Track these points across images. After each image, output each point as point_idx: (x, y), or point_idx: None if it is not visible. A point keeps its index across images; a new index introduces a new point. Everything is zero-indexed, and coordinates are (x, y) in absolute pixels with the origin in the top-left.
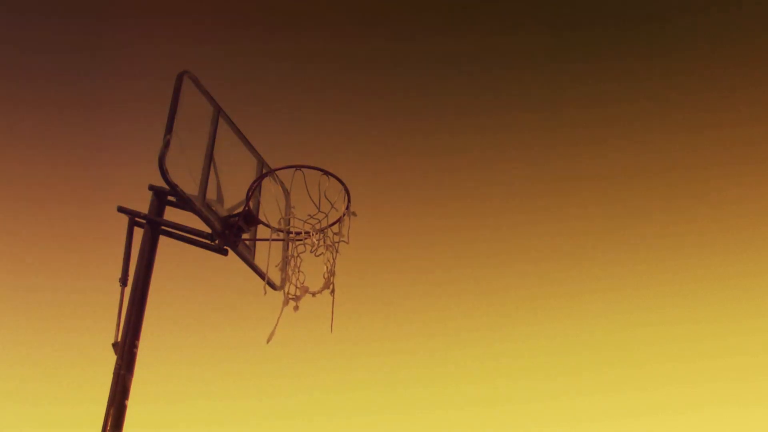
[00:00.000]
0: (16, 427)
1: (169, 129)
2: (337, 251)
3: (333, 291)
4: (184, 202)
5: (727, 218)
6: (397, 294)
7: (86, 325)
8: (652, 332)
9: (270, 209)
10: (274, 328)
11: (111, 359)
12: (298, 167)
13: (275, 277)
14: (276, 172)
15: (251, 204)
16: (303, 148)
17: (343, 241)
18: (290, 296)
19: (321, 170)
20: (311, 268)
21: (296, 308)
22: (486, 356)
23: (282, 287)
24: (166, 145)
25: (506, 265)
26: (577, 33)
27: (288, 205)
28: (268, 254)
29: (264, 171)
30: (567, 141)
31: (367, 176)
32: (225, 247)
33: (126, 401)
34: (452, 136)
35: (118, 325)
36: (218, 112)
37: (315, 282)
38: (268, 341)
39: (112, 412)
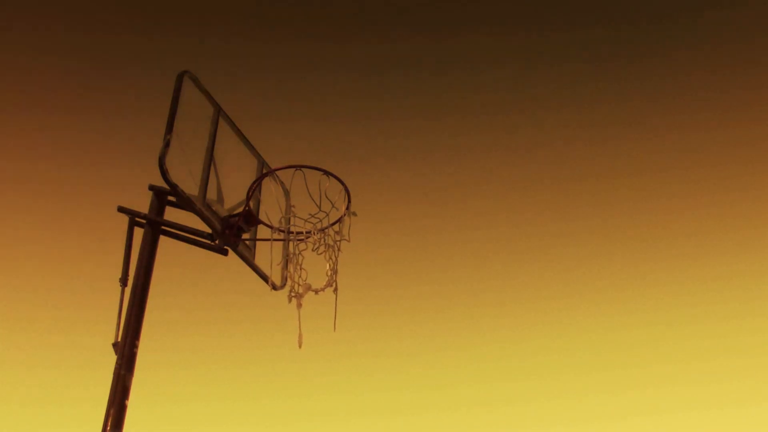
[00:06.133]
0: (16, 427)
1: (169, 129)
2: (338, 249)
3: (336, 289)
4: (184, 202)
5: (728, 217)
6: (396, 293)
7: (86, 325)
8: (652, 332)
9: (270, 209)
10: (299, 330)
11: (111, 359)
12: (298, 167)
13: (276, 276)
14: (276, 172)
15: (251, 204)
16: (303, 148)
17: (344, 239)
18: (293, 294)
19: (321, 170)
20: (313, 267)
21: (299, 306)
22: (488, 356)
23: (282, 287)
24: (167, 145)
25: (508, 264)
26: (575, 33)
27: (288, 205)
28: (270, 254)
29: (264, 171)
30: (567, 141)
31: (367, 176)
32: (225, 247)
33: (126, 401)
34: (452, 136)
35: (118, 325)
36: (218, 112)
37: (317, 281)
38: (300, 346)
39: (112, 412)
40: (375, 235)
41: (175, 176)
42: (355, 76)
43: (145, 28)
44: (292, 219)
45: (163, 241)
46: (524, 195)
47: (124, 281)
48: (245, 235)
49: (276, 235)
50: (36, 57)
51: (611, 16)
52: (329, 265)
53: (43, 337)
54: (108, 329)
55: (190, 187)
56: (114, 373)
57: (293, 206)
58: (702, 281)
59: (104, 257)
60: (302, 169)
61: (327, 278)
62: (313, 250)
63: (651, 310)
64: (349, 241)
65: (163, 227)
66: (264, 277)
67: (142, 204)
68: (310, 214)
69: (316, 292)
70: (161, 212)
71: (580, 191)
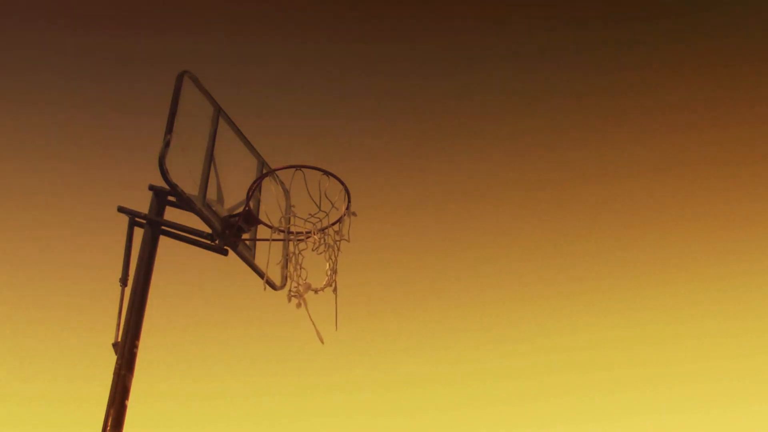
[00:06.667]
0: (16, 427)
1: (169, 129)
2: (338, 249)
3: (335, 289)
4: (184, 202)
5: (728, 217)
6: (396, 293)
7: (86, 325)
8: (652, 332)
9: (270, 209)
10: (315, 327)
11: (111, 359)
12: (298, 167)
13: (275, 276)
14: (276, 172)
15: (251, 204)
16: (303, 148)
17: (344, 239)
18: (293, 293)
19: (321, 170)
20: (313, 267)
21: (299, 305)
22: (488, 356)
23: (282, 287)
24: (167, 145)
25: (508, 263)
26: (573, 32)
27: (288, 205)
28: (268, 254)
29: (264, 171)
30: (567, 140)
31: (367, 176)
32: (225, 247)
33: (126, 401)
34: (452, 135)
35: (118, 325)
36: (218, 112)
37: (317, 280)
38: (322, 342)
39: (112, 412)
40: (375, 235)
41: (175, 176)
42: (356, 76)
43: (145, 28)
44: (292, 219)
45: (163, 241)
46: (524, 195)
47: (124, 281)
48: (245, 235)
49: (276, 235)
50: (35, 57)
51: (611, 16)
52: (329, 265)
53: (43, 337)
54: (108, 329)
55: (190, 187)
56: (114, 373)
57: (293, 206)
58: (702, 281)
59: (104, 257)
60: (302, 169)
61: (327, 278)
62: (313, 250)
63: (651, 310)
64: (348, 241)
65: (163, 227)
66: (263, 277)
67: (142, 204)
68: (310, 214)
69: (316, 291)
70: (161, 212)
71: (580, 191)
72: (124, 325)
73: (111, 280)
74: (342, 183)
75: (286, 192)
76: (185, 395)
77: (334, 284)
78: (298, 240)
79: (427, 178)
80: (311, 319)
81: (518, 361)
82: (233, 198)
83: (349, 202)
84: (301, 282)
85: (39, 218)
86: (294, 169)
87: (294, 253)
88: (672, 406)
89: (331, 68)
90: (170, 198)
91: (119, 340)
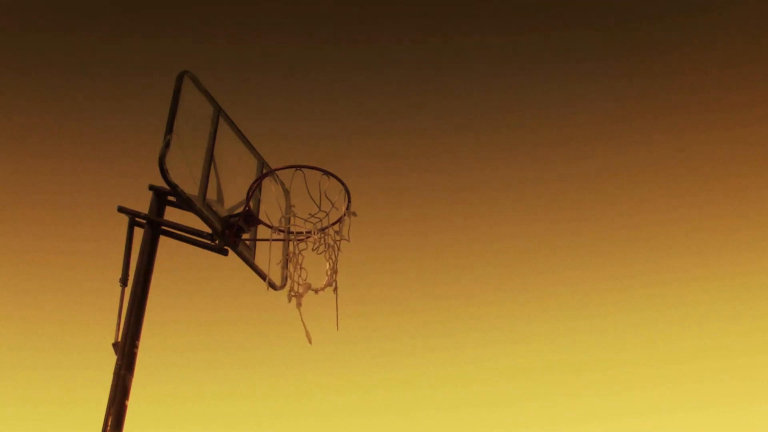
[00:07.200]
0: (16, 427)
1: (169, 129)
2: (338, 249)
3: (336, 289)
4: (184, 202)
5: (728, 218)
6: (396, 293)
7: (86, 325)
8: (650, 332)
9: (270, 209)
10: (305, 328)
11: (111, 359)
12: (298, 167)
13: (276, 276)
14: (276, 172)
15: (251, 204)
16: (303, 148)
17: (344, 239)
18: (293, 293)
19: (321, 170)
20: (313, 267)
21: (299, 305)
22: (488, 356)
23: (282, 287)
24: (167, 145)
25: (508, 264)
26: (571, 32)
27: (288, 205)
28: (268, 254)
29: (264, 171)
30: (567, 140)
31: (367, 176)
32: (225, 247)
33: (126, 401)
34: (453, 135)
35: (118, 325)
36: (218, 112)
37: (317, 280)
38: (310, 342)
39: (112, 412)
40: (375, 235)
41: (175, 176)
42: (356, 75)
43: (145, 28)
44: (292, 219)
45: (163, 241)
46: (524, 195)
47: (124, 281)
48: (245, 235)
49: (276, 235)
50: (36, 57)
51: (610, 16)
52: (329, 265)
53: (44, 337)
54: (108, 329)
55: (190, 187)
56: (114, 373)
57: (293, 206)
58: (702, 281)
59: (104, 257)
60: (302, 169)
61: (327, 278)
62: (313, 250)
63: (651, 311)
64: (348, 240)
65: (163, 227)
66: (264, 277)
67: (142, 204)
68: (310, 214)
69: (316, 291)
70: (161, 212)
71: (579, 191)
72: (124, 325)
73: (111, 280)
74: (342, 183)
75: (286, 192)
76: (185, 395)
77: (334, 284)
78: (298, 240)
79: (428, 177)
80: (302, 320)
81: (518, 361)
82: (233, 198)
83: (349, 202)
84: (301, 282)
85: (39, 218)
86: (294, 169)
87: (294, 253)
88: (672, 406)
89: (330, 69)
90: (170, 198)
91: (119, 340)
